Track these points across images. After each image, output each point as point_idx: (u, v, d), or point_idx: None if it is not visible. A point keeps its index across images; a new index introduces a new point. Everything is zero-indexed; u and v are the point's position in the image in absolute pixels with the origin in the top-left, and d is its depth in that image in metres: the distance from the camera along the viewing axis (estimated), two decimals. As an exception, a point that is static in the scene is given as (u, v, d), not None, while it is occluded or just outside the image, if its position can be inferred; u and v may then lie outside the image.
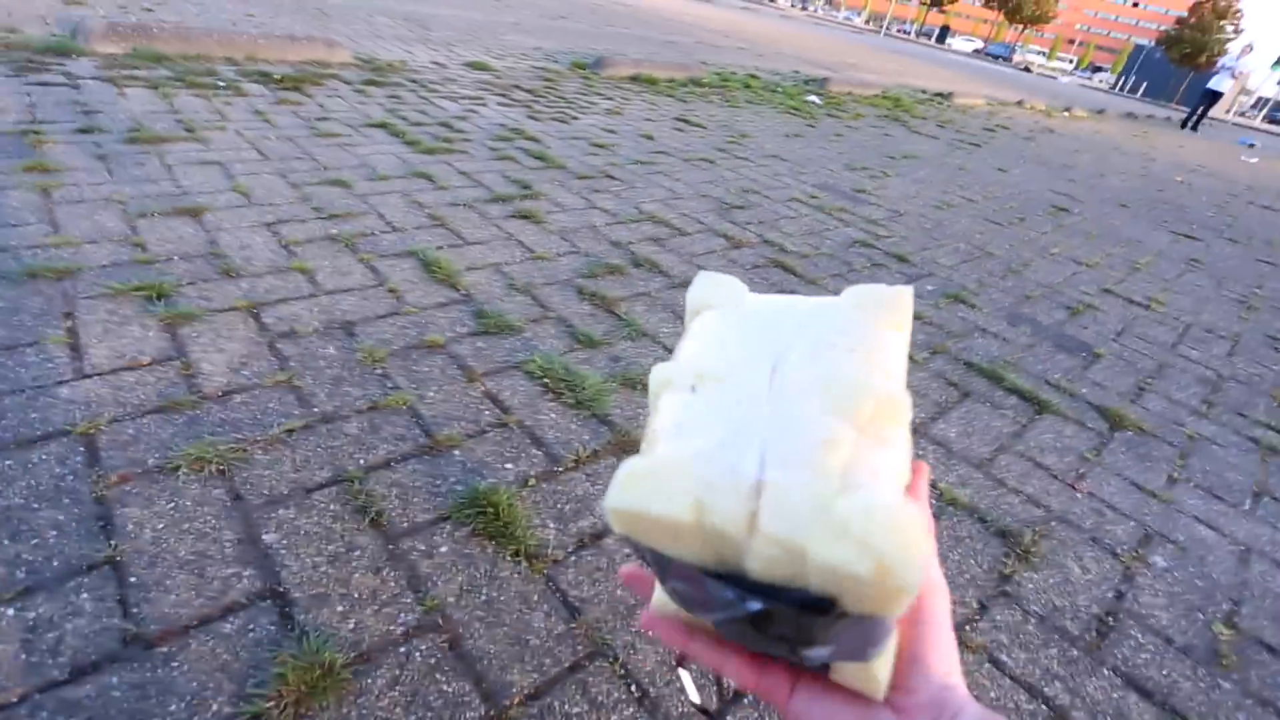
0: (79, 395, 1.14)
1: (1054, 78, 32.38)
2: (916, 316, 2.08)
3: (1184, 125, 13.53)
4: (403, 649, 0.83)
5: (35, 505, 0.93)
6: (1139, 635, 1.08)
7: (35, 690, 0.72)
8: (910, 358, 1.76)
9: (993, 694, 0.93)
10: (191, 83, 3.18)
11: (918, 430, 1.49)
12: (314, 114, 3.03)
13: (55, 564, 0.85)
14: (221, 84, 3.25)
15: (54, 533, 0.89)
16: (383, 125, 3.01)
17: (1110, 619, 1.10)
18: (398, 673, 0.81)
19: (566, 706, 0.80)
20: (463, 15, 7.57)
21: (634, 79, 5.60)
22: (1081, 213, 4.04)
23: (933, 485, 1.33)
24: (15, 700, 0.71)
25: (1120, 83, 52.21)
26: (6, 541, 0.87)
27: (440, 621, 0.87)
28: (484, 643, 0.85)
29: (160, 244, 1.68)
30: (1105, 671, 1.01)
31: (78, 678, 0.74)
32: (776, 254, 2.37)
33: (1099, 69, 75.98)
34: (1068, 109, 11.72)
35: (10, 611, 0.79)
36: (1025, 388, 1.77)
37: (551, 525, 1.04)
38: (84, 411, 1.11)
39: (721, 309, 0.39)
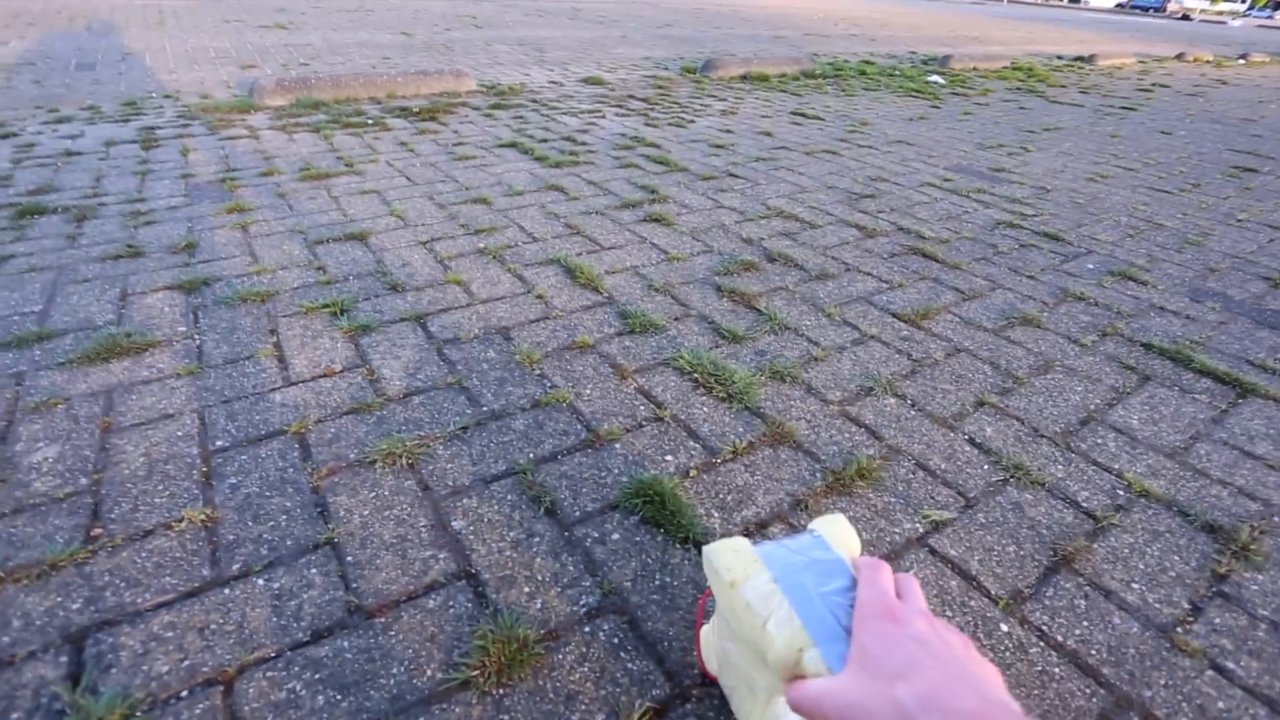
0: (289, 400, 1.30)
1: (1222, 22, 28.48)
2: (1079, 298, 1.92)
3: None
4: (587, 628, 0.88)
5: (268, 493, 1.07)
6: (1402, 647, 0.93)
7: (287, 648, 0.83)
8: (1076, 341, 1.62)
9: (1220, 704, 0.83)
10: (345, 123, 3.53)
11: (1094, 418, 1.37)
12: (450, 140, 3.26)
13: (289, 543, 0.98)
14: (370, 121, 3.58)
15: (284, 517, 1.03)
16: (512, 144, 3.19)
17: (1361, 627, 0.96)
18: (585, 650, 0.85)
19: (748, 690, 0.81)
20: (573, 35, 7.86)
21: (745, 77, 5.56)
22: (1273, 171, 3.53)
23: (1118, 475, 1.21)
24: (273, 655, 0.82)
25: (1307, 21, 44.96)
26: (251, 523, 1.01)
27: (619, 604, 0.91)
28: (663, 625, 0.88)
29: (337, 266, 1.88)
30: (1361, 686, 0.87)
31: (317, 640, 0.84)
32: (914, 241, 2.27)
33: None
34: (1243, 56, 10.29)
35: (261, 581, 0.92)
36: (1220, 369, 1.57)
37: (716, 514, 1.06)
38: (294, 414, 1.26)
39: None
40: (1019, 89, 5.97)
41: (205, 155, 2.91)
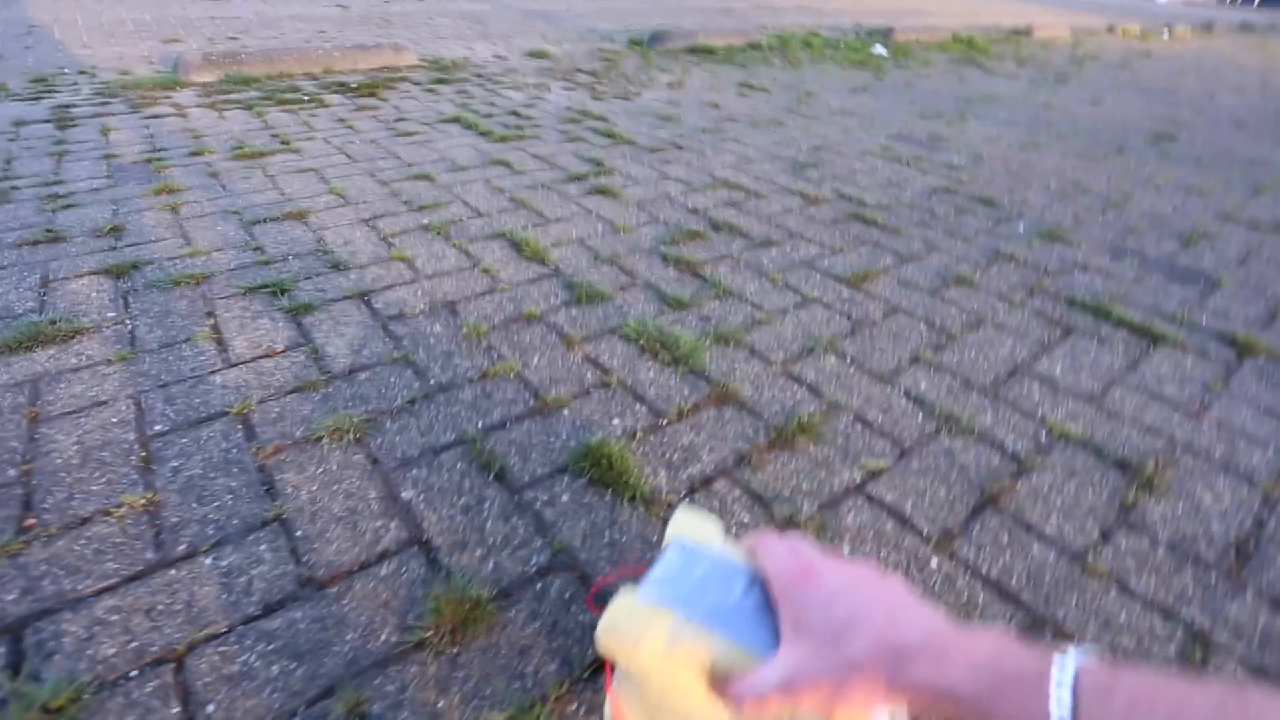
0: (230, 381, 1.28)
1: (1147, -2, 29.48)
2: (1010, 258, 2.00)
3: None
4: (539, 586, 0.90)
5: (211, 474, 1.05)
6: (1284, 561, 1.03)
7: (239, 622, 0.83)
8: (1006, 299, 1.70)
9: (1123, 617, 0.91)
10: (279, 100, 3.40)
11: (1020, 369, 1.45)
12: (391, 116, 3.18)
13: (235, 521, 0.97)
14: (305, 98, 3.46)
15: (229, 496, 1.02)
16: (456, 119, 3.12)
17: (1251, 545, 1.05)
18: (537, 606, 0.88)
19: (695, 633, 0.85)
20: (517, 6, 7.68)
21: (692, 50, 5.54)
22: (1189, 138, 3.72)
23: (1040, 420, 1.29)
24: (225, 630, 0.82)
25: (1225, -6, 46.96)
26: (195, 505, 1.00)
27: (569, 561, 0.94)
28: (612, 579, 0.91)
29: (275, 246, 1.83)
30: (1248, 596, 0.97)
31: (269, 613, 0.85)
32: (855, 208, 2.33)
33: (1198, -18, 68.52)
34: (1167, 28, 10.72)
35: (208, 560, 0.91)
36: (1135, 321, 1.67)
37: (663, 473, 1.09)
38: (236, 395, 1.24)
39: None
40: (959, 60, 6.11)
41: (128, 135, 2.77)
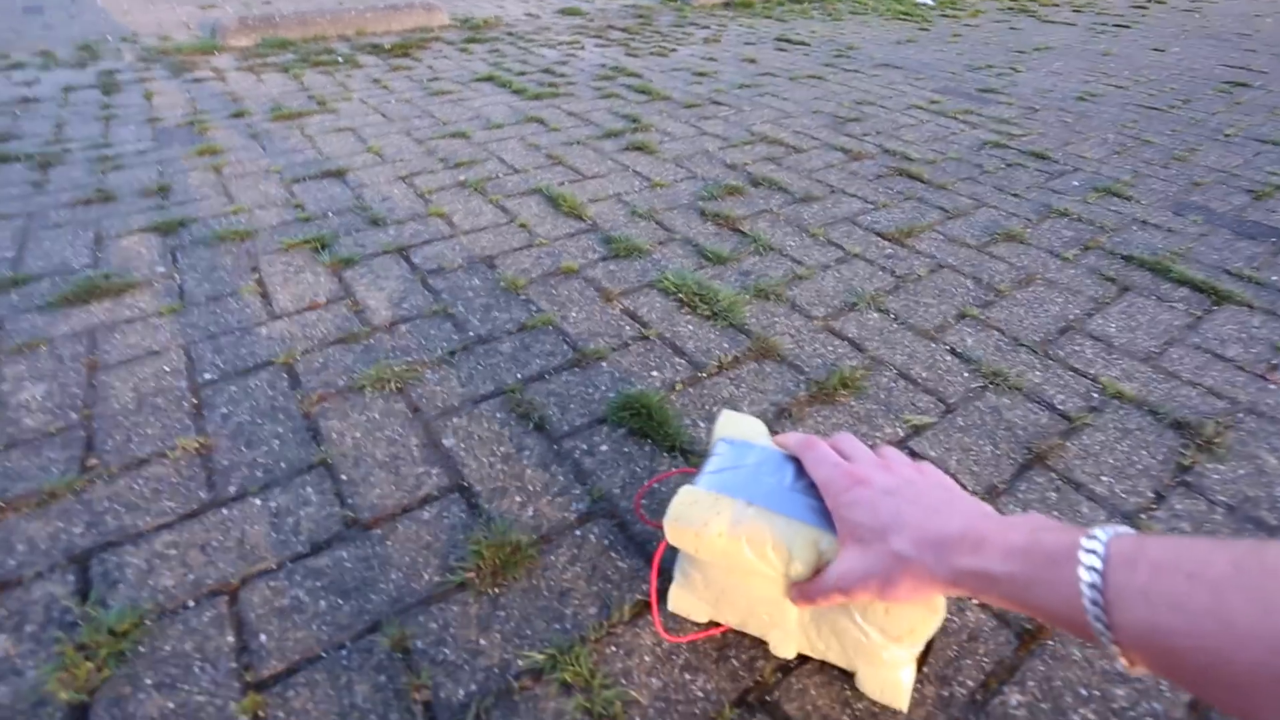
0: (275, 333, 1.30)
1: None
2: (1063, 214, 1.91)
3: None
4: (578, 532, 0.91)
5: (259, 421, 1.08)
6: (1354, 524, 0.98)
7: (288, 560, 0.86)
8: (1059, 255, 1.63)
9: (1179, 577, 0.88)
10: (315, 62, 3.41)
11: (1072, 327, 1.39)
12: (425, 75, 3.16)
13: (283, 465, 1.00)
14: (340, 60, 3.46)
15: (277, 441, 1.04)
16: (489, 78, 3.09)
17: (1317, 508, 1.00)
18: (576, 551, 0.88)
19: (733, 581, 0.85)
20: (548, -36, 7.51)
21: (728, 4, 5.37)
22: (1265, 85, 3.48)
23: (1093, 379, 1.24)
24: (275, 567, 0.85)
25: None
26: (244, 449, 1.03)
27: (609, 509, 0.94)
28: (651, 527, 0.91)
29: (315, 203, 1.85)
30: (1312, 559, 0.92)
31: (316, 551, 0.87)
32: (900, 163, 2.24)
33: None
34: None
35: (258, 501, 0.94)
36: (1198, 279, 1.59)
37: (702, 424, 1.08)
38: (281, 346, 1.26)
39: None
40: (1010, 9, 5.79)
41: (170, 99, 2.82)
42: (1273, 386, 1.26)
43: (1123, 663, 0.36)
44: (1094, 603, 0.35)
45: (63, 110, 2.65)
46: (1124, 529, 0.39)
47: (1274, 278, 1.63)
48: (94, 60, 3.43)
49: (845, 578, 0.51)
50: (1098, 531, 0.38)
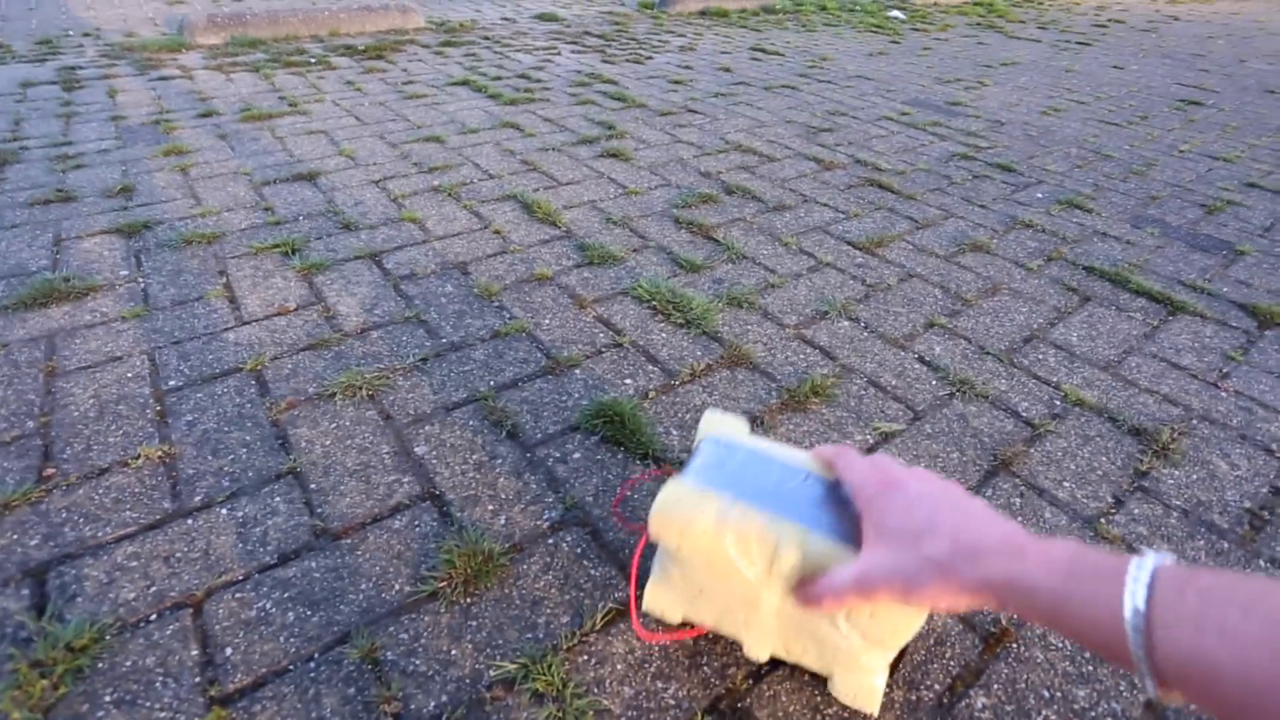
0: (243, 339, 1.28)
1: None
2: (1028, 225, 1.97)
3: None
4: (550, 540, 0.91)
5: (226, 429, 1.06)
6: (1299, 527, 1.02)
7: (254, 571, 0.84)
8: (1023, 265, 1.68)
9: (1135, 580, 0.91)
10: (286, 62, 3.36)
11: (1036, 336, 1.43)
12: (399, 79, 3.13)
13: (250, 474, 0.98)
14: (312, 60, 3.41)
15: (244, 450, 1.02)
16: (465, 82, 3.08)
17: (1266, 513, 1.04)
18: (549, 559, 0.88)
19: (705, 588, 0.86)
20: (525, -31, 7.50)
21: (703, 13, 5.41)
22: (1217, 104, 3.62)
23: (1055, 387, 1.28)
24: (241, 578, 0.83)
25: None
26: (210, 457, 1.01)
27: (581, 517, 0.94)
28: (624, 534, 0.92)
29: (286, 207, 1.82)
30: (1261, 563, 0.96)
31: (284, 562, 0.86)
32: (871, 173, 2.28)
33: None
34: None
35: (224, 511, 0.92)
36: (1155, 289, 1.65)
37: (675, 431, 1.09)
38: (249, 352, 1.24)
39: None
40: (978, 24, 5.94)
41: (135, 96, 2.75)
42: (1224, 395, 1.31)
43: (1152, 686, 0.35)
44: (1136, 627, 0.35)
45: (20, 106, 2.57)
46: (1169, 556, 0.39)
47: (1225, 289, 1.69)
48: (54, 55, 3.34)
49: (868, 577, 0.50)
50: (1147, 555, 0.38)
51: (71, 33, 3.87)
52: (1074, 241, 1.89)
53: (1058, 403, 1.24)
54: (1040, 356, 1.37)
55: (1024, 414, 1.21)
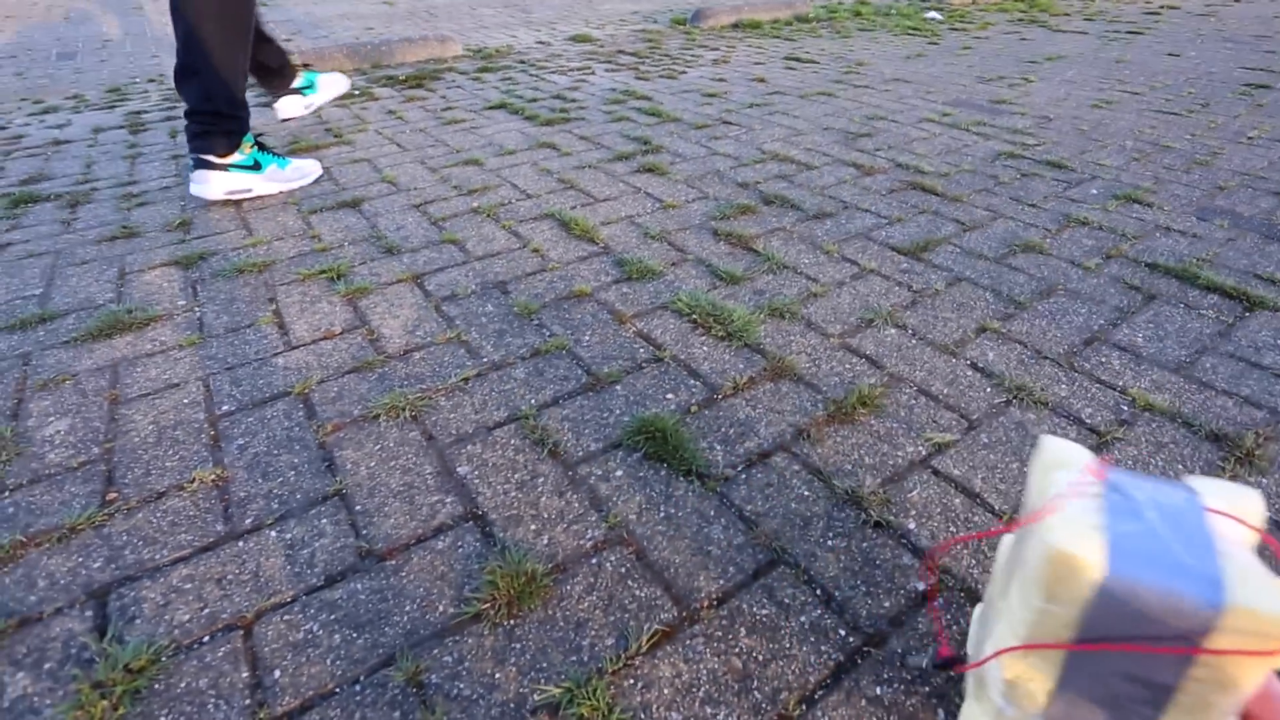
0: (291, 363, 1.31)
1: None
2: (1083, 223, 1.88)
3: None
4: (594, 560, 0.89)
5: (275, 451, 1.08)
6: None
7: (302, 593, 0.85)
8: (1080, 265, 1.60)
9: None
10: (333, 95, 3.47)
11: (1097, 338, 1.36)
12: (438, 105, 3.22)
13: (298, 496, 1.00)
14: (356, 92, 3.53)
15: (292, 472, 1.04)
16: (501, 105, 3.14)
17: (1367, 522, 0.96)
18: (593, 580, 0.87)
19: (754, 609, 0.83)
20: (559, -6, 7.65)
21: (736, 26, 5.42)
22: (1283, 88, 3.42)
23: (1121, 391, 1.20)
24: (289, 600, 0.84)
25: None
26: (260, 480, 1.03)
27: (625, 536, 0.92)
28: (668, 554, 0.90)
29: (331, 234, 1.87)
30: (1366, 577, 0.88)
31: (331, 583, 0.86)
32: (913, 177, 2.23)
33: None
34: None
35: (273, 533, 0.94)
36: (1228, 284, 1.55)
37: (719, 447, 1.07)
38: (297, 376, 1.27)
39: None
40: (1020, 20, 5.78)
41: (194, 135, 2.88)
42: (1312, 395, 1.22)
43: None
44: None
45: (91, 150, 2.73)
46: None
47: (1307, 282, 1.58)
48: (122, 102, 3.55)
49: None
50: None
51: (138, 80, 4.11)
52: (1134, 238, 1.80)
53: (1125, 408, 1.17)
54: (1103, 360, 1.30)
55: (1088, 421, 1.14)
